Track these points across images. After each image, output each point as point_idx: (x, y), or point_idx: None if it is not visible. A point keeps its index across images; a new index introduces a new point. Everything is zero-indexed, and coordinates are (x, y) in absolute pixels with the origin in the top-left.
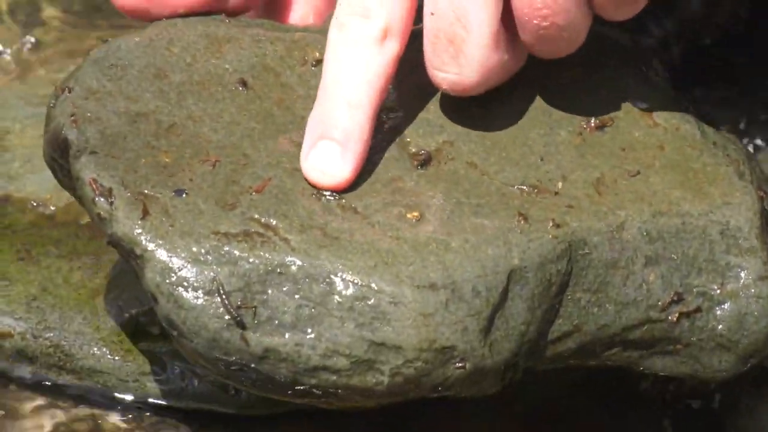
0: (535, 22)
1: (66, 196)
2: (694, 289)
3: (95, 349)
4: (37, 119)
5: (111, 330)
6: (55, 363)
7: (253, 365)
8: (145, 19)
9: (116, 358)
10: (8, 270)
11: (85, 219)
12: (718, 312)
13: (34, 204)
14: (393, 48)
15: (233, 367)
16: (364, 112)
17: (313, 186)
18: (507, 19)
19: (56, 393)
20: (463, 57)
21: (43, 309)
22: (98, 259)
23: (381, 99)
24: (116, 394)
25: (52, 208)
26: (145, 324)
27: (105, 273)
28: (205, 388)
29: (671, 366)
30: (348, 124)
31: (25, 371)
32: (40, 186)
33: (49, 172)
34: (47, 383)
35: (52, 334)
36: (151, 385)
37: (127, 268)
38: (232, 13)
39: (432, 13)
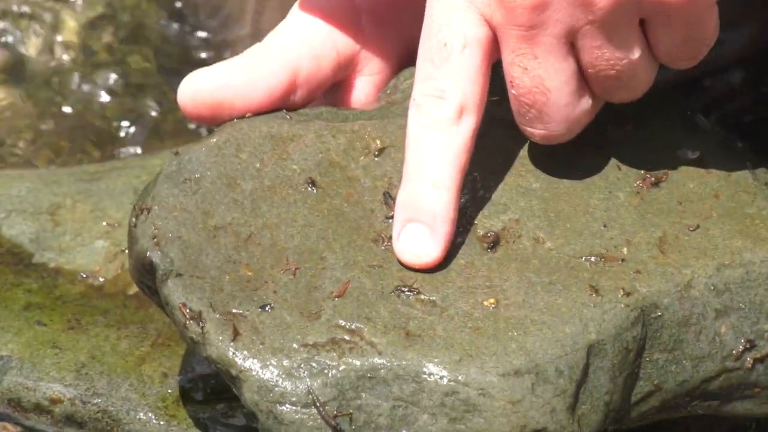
0: (602, 75)
1: (114, 268)
2: (765, 334)
3: (141, 414)
4: (85, 195)
5: (157, 396)
6: (103, 428)
7: None
8: (211, 123)
9: (161, 422)
10: (59, 339)
11: (132, 289)
12: None
13: (84, 276)
14: (469, 124)
15: None
16: (448, 191)
17: (405, 266)
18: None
19: None
20: (547, 116)
21: (92, 376)
22: (144, 328)
23: (463, 175)
24: None
25: (101, 279)
26: (190, 390)
27: (151, 341)
28: None
29: (751, 408)
30: (433, 206)
31: None
32: (89, 258)
33: (98, 245)
34: None
35: (100, 400)
36: None
37: (172, 335)
38: (296, 107)
39: (512, 83)
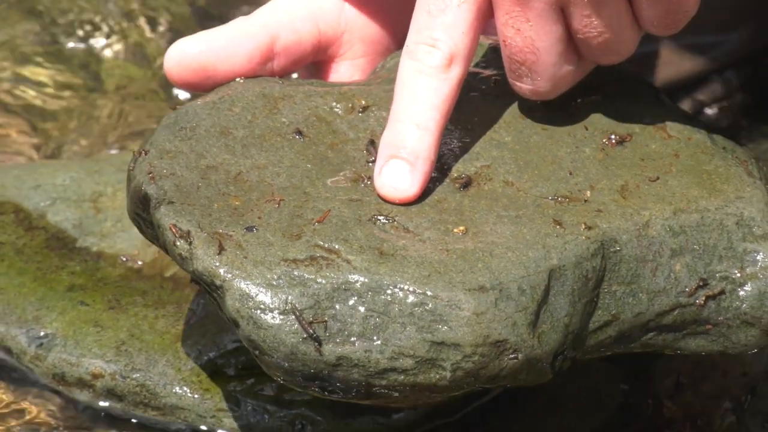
0: (590, 40)
1: (152, 252)
2: (717, 275)
3: (177, 388)
4: (125, 184)
5: (191, 371)
6: (141, 401)
7: (328, 373)
8: (197, 90)
9: (196, 396)
10: (100, 318)
11: (169, 272)
12: (741, 293)
13: (124, 259)
14: (457, 73)
15: (311, 377)
16: (431, 133)
17: (384, 200)
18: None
19: (142, 428)
20: (536, 74)
21: (131, 353)
22: (180, 308)
23: (446, 121)
24: (197, 428)
25: (140, 262)
26: (222, 366)
27: (186, 320)
28: (274, 423)
29: (704, 345)
30: (416, 145)
31: (115, 408)
32: (129, 243)
33: (136, 231)
34: (134, 420)
35: (138, 375)
36: (227, 421)
37: (206, 315)
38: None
39: (504, 41)
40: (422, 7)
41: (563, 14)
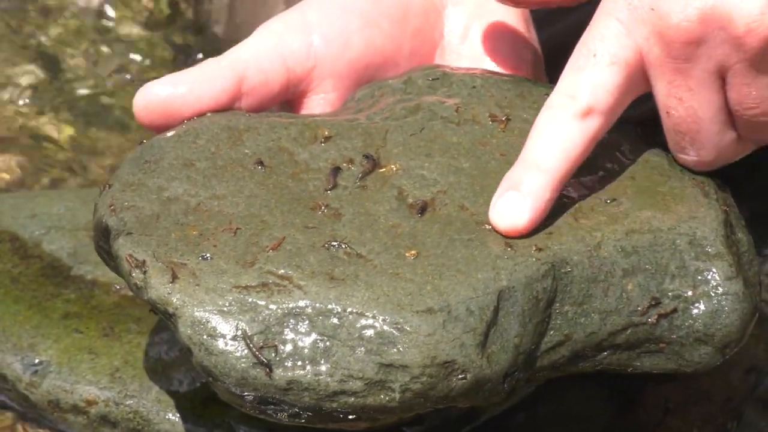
0: (749, 112)
1: None
2: (669, 293)
3: (170, 414)
4: None
5: (184, 397)
6: (134, 427)
7: (279, 397)
8: (165, 130)
9: (188, 423)
10: (94, 345)
11: None
12: (693, 311)
13: (118, 287)
14: (594, 124)
15: (263, 401)
16: (551, 176)
17: (496, 230)
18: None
19: None
20: (699, 144)
21: (125, 379)
22: (173, 336)
23: (572, 169)
24: None
25: None
26: (215, 392)
27: (179, 348)
28: None
29: (658, 363)
30: (534, 185)
31: None
32: None
33: None
34: None
35: (132, 402)
36: None
37: None
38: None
39: (668, 112)
40: (571, 65)
41: (723, 84)
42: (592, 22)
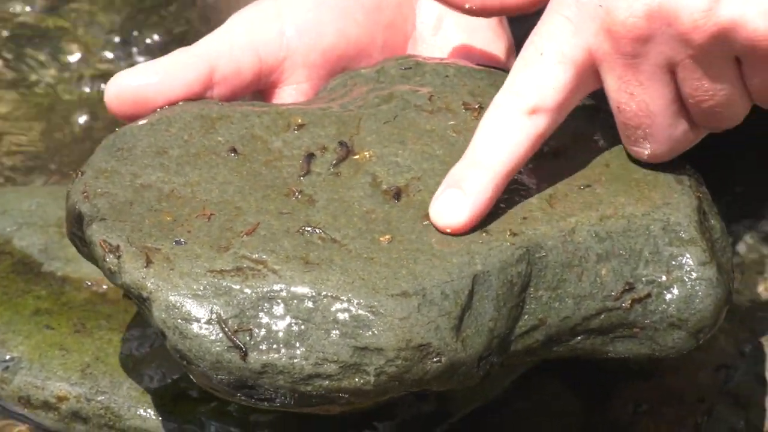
0: (701, 104)
1: None
2: (643, 278)
3: (141, 410)
4: None
5: (155, 394)
6: (105, 423)
7: (254, 380)
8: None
9: (160, 418)
10: (66, 341)
11: None
12: (667, 296)
13: (89, 284)
14: (539, 123)
15: (237, 385)
16: (495, 173)
17: (433, 225)
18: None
19: None
20: (651, 137)
21: (96, 375)
22: (144, 332)
23: (516, 167)
24: None
25: (105, 287)
26: (186, 388)
27: (150, 344)
28: None
29: (632, 348)
30: (475, 183)
31: (79, 430)
32: (94, 268)
33: None
34: None
35: (103, 398)
36: None
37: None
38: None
39: (618, 107)
40: (518, 64)
41: (674, 77)
42: (540, 20)
